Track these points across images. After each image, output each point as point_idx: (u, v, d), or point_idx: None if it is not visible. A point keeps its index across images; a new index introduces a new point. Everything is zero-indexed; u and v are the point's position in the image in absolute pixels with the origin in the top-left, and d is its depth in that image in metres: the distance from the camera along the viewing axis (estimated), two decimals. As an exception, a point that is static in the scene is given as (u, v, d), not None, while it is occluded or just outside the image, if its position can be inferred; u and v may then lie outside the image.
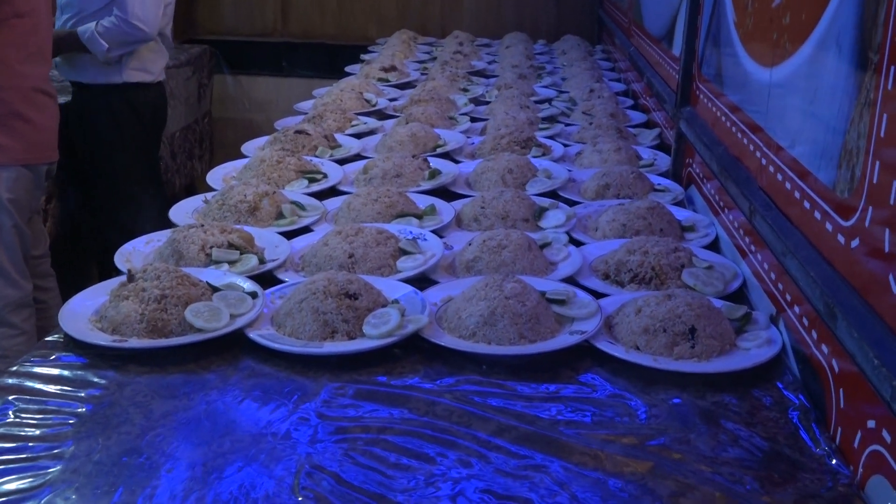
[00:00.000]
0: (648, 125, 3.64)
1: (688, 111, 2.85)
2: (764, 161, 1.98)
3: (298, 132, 3.05)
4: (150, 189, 4.22)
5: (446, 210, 2.49)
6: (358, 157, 3.07)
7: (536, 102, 3.88)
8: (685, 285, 2.05)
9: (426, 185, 2.73)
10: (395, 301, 1.86)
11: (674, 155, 2.98)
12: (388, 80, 4.36)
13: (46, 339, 1.79)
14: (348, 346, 1.73)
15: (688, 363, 1.72)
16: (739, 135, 2.22)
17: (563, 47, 5.52)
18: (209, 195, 2.52)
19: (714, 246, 2.35)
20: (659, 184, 2.77)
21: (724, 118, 2.40)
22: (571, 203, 2.62)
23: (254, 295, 1.87)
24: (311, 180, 2.72)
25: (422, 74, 4.60)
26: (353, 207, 2.42)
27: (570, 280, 2.08)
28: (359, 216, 2.39)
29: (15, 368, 1.65)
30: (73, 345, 1.74)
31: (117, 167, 4.10)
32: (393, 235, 2.16)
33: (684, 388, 1.66)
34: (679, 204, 2.67)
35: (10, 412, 1.51)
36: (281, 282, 2.04)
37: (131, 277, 1.83)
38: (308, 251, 2.16)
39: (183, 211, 2.47)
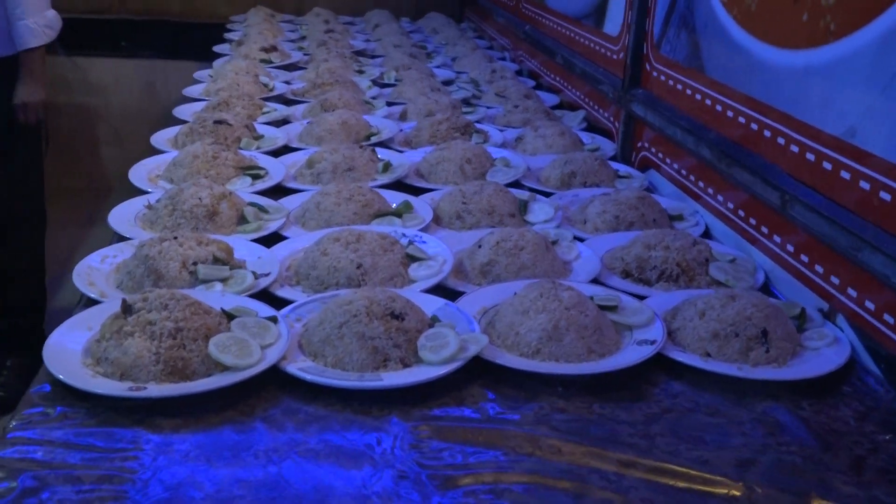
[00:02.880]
0: (563, 106, 3.52)
1: (640, 93, 2.74)
2: (797, 148, 1.88)
3: (218, 122, 2.72)
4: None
5: (420, 206, 2.26)
6: (287, 148, 2.78)
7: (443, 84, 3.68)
8: (715, 281, 1.94)
9: (383, 179, 2.48)
10: (435, 317, 1.64)
11: (621, 138, 2.87)
12: (270, 62, 4.03)
13: (31, 390, 1.45)
14: (412, 375, 1.49)
15: (773, 370, 1.59)
16: (743, 119, 2.11)
17: (433, 25, 5.33)
18: (151, 198, 2.18)
19: (705, 234, 2.25)
20: (617, 169, 2.65)
21: (708, 101, 2.30)
22: (537, 194, 2.44)
23: (273, 320, 1.59)
24: (255, 177, 2.42)
25: (304, 55, 4.29)
26: (324, 208, 2.15)
27: (593, 282, 1.92)
28: (333, 218, 2.13)
29: (14, 434, 1.32)
30: (71, 396, 1.42)
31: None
32: (396, 240, 1.93)
33: (777, 398, 1.54)
34: (647, 190, 2.56)
35: None
36: (281, 300, 1.76)
37: (128, 308, 1.51)
38: (301, 262, 1.88)
39: (123, 218, 2.12)
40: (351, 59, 4.12)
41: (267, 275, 1.82)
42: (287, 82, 3.71)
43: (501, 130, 3.04)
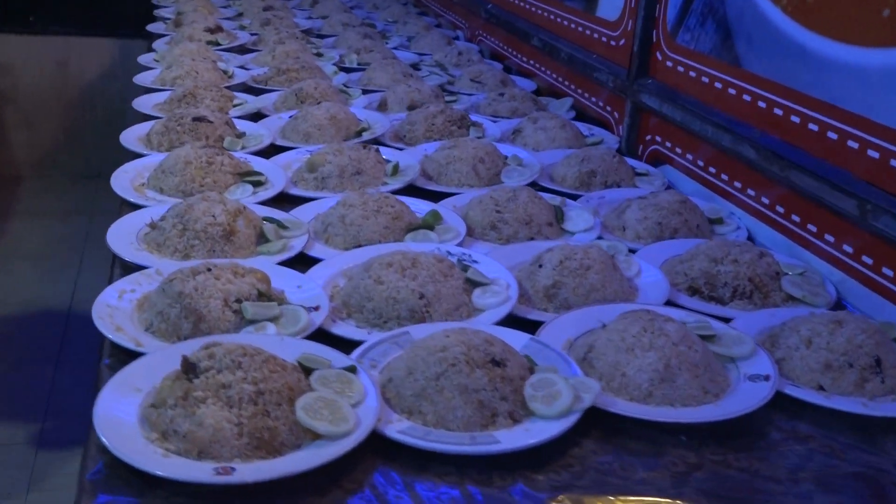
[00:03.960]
0: (540, 92, 3.35)
1: (651, 83, 2.59)
2: (876, 154, 1.76)
3: (198, 119, 2.45)
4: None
5: (447, 216, 2.06)
6: (274, 147, 2.53)
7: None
8: (790, 297, 1.81)
9: (394, 183, 2.27)
10: (531, 359, 1.45)
11: (627, 130, 2.72)
12: (217, 44, 3.73)
13: (87, 476, 1.21)
14: (531, 435, 1.30)
15: (898, 404, 1.47)
16: (797, 119, 1.98)
17: (374, 1, 5.07)
18: (154, 216, 1.92)
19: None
20: (634, 167, 2.50)
21: (747, 97, 2.16)
22: (552, 194, 2.27)
23: (352, 370, 1.38)
24: (255, 184, 2.17)
25: (250, 35, 3.99)
26: (350, 222, 1.93)
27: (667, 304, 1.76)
28: (361, 233, 1.92)
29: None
30: (138, 479, 1.18)
31: None
32: (452, 263, 1.73)
33: (908, 436, 1.42)
34: (668, 188, 2.42)
35: None
36: (336, 339, 1.55)
37: (192, 367, 1.28)
38: (350, 291, 1.67)
39: (124, 240, 1.86)
40: (303, 40, 3.85)
41: (317, 308, 1.60)
42: (243, 67, 3.42)
43: (494, 121, 2.85)
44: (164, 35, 3.95)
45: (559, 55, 3.17)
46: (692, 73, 2.41)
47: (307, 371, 1.35)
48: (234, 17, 4.49)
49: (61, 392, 3.56)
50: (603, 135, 2.81)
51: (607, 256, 1.78)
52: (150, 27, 4.13)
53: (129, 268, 1.79)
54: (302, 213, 2.06)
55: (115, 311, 1.57)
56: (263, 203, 2.10)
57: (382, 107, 3.00)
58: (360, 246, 1.90)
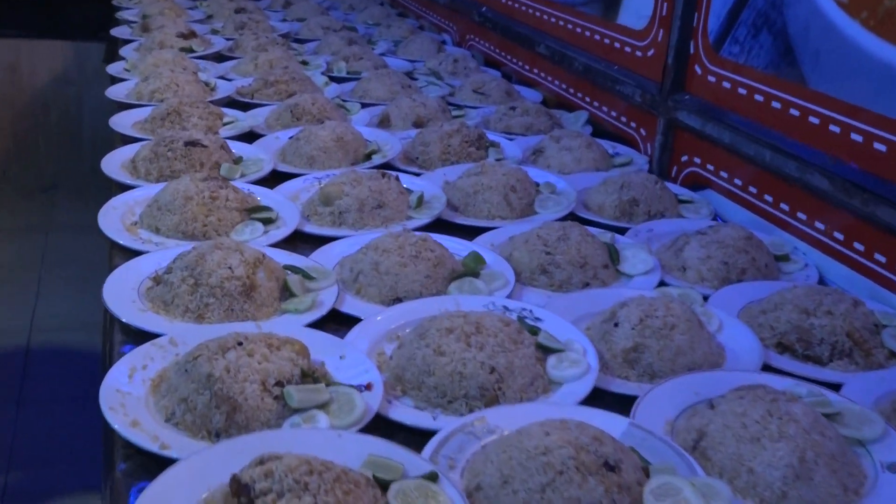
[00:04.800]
0: (548, 104, 3.10)
1: (689, 99, 2.36)
2: None
3: (191, 143, 2.17)
4: None
5: (490, 259, 1.81)
6: (277, 175, 2.26)
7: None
8: (892, 353, 1.59)
9: (421, 218, 2.02)
10: (640, 456, 1.21)
11: (658, 150, 2.49)
12: (191, 50, 3.43)
13: None
14: (666, 564, 1.06)
15: None
16: (883, 147, 1.76)
17: (350, 1, 4.79)
18: (156, 264, 1.64)
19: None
20: (677, 193, 2.27)
21: (814, 119, 1.94)
22: (598, 228, 2.04)
23: (433, 478, 1.12)
24: (265, 222, 1.91)
25: (225, 40, 3.69)
26: (385, 270, 1.67)
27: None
28: (400, 283, 1.66)
29: None
30: None
31: None
32: (520, 326, 1.48)
33: None
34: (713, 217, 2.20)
35: None
36: (395, 424, 1.30)
37: (243, 490, 1.01)
38: (404, 363, 1.41)
39: (124, 297, 1.58)
40: (284, 46, 3.56)
41: (368, 387, 1.34)
42: (224, 78, 3.13)
43: (510, 139, 2.61)
44: (130, 41, 3.64)
45: (572, 65, 2.93)
46: (742, 90, 2.18)
47: (383, 486, 1.09)
48: (204, 19, 4.18)
49: (26, 437, 3.23)
50: (629, 153, 2.58)
51: (691, 313, 1.55)
52: (115, 31, 3.81)
53: (131, 330, 1.51)
54: (323, 257, 1.79)
55: (127, 397, 1.29)
56: (276, 245, 1.83)
57: (384, 123, 2.74)
58: (399, 299, 1.65)
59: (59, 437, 3.16)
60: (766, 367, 1.53)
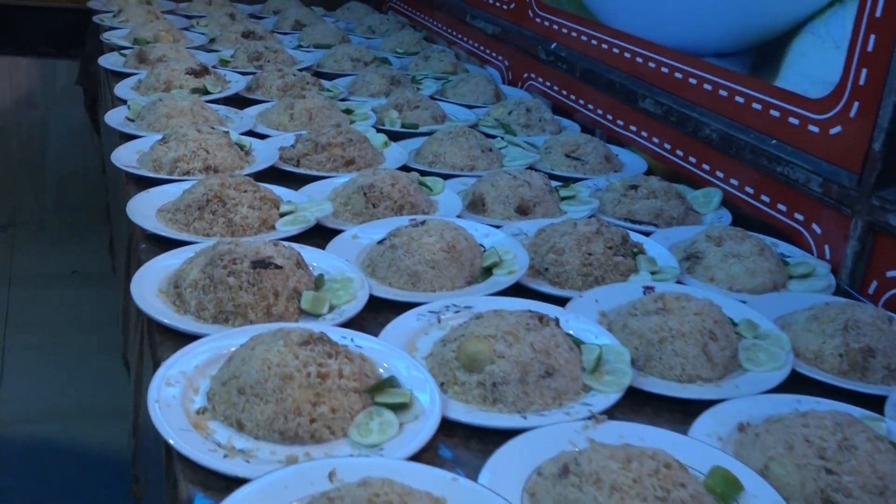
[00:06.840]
0: (653, 172, 2.52)
1: (906, 199, 1.79)
2: None
3: (259, 264, 1.54)
4: None
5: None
6: (375, 302, 1.63)
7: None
8: None
9: (606, 393, 1.41)
10: None
11: (852, 260, 1.92)
12: (206, 91, 2.78)
13: None
14: None
15: None
16: None
17: (370, 22, 4.17)
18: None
19: None
20: None
21: None
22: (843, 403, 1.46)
23: None
24: (396, 408, 1.29)
25: (241, 73, 3.03)
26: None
27: None
28: None
29: None
30: None
31: None
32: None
33: None
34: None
35: None
36: None
37: None
38: None
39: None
40: (316, 86, 2.93)
41: None
42: (254, 133, 2.49)
43: (646, 234, 2.01)
44: (124, 74, 2.97)
45: (701, 131, 2.34)
46: None
47: None
48: (207, 44, 3.52)
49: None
50: (804, 258, 2.00)
51: None
52: (104, 61, 3.13)
53: None
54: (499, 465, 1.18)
55: None
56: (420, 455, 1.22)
57: (476, 206, 2.13)
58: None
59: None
60: None
